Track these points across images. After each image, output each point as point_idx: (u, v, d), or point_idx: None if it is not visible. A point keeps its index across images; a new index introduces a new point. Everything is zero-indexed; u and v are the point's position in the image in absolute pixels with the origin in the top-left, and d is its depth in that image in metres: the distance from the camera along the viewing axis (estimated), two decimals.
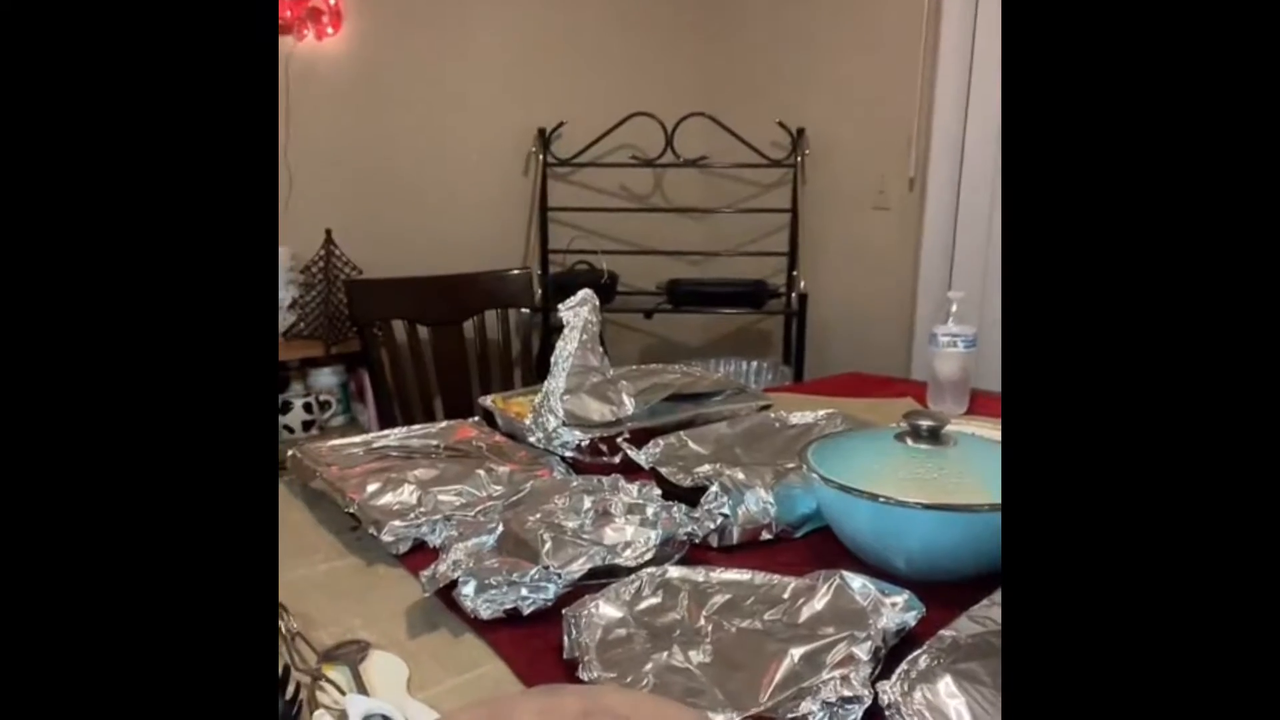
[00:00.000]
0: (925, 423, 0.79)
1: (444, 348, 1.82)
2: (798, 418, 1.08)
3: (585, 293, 1.08)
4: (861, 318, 2.21)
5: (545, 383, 1.02)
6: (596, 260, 2.25)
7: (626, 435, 0.98)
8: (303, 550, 0.84)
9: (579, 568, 0.69)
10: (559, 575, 0.69)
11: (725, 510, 0.81)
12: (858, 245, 2.23)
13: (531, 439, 1.00)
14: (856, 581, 0.66)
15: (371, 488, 0.86)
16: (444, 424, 1.13)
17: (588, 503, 0.81)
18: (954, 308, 1.30)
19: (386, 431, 1.09)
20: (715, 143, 2.32)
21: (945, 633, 0.55)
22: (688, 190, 2.48)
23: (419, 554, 0.80)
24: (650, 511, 0.78)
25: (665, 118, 2.25)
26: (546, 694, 0.49)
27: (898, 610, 0.63)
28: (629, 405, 1.06)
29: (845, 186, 2.23)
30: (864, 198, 2.19)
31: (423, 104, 2.15)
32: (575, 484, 0.86)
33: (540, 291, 2.15)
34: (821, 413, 1.08)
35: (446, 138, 2.23)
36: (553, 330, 2.21)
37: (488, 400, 1.15)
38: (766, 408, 1.14)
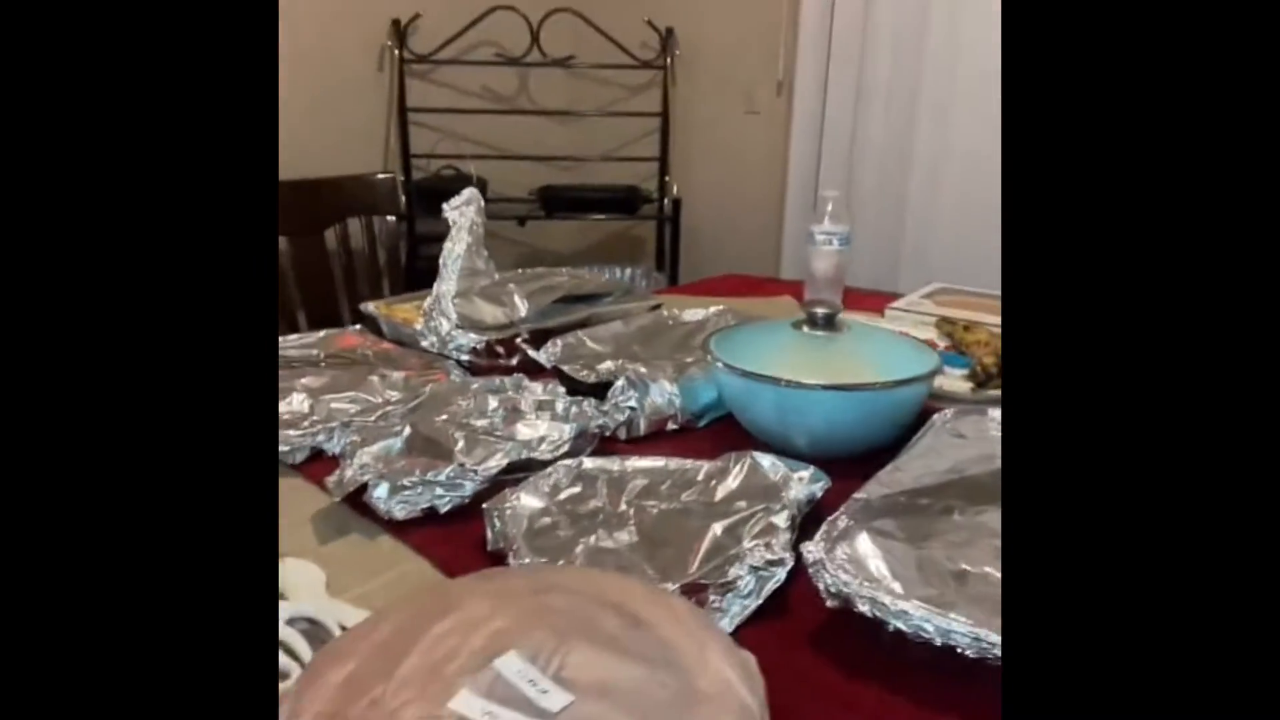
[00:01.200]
0: (821, 311, 0.82)
1: (304, 258, 1.72)
2: (690, 315, 1.09)
3: (470, 192, 1.04)
4: (732, 222, 2.25)
5: (435, 285, 0.98)
6: (464, 165, 2.16)
7: (525, 336, 0.97)
8: None
9: (496, 463, 0.69)
10: (475, 472, 0.68)
11: (632, 403, 0.82)
12: (728, 150, 2.25)
13: (425, 343, 0.97)
14: (765, 460, 0.70)
15: None
16: (321, 333, 1.07)
17: (494, 402, 0.80)
18: (829, 207, 1.34)
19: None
20: (583, 42, 2.24)
21: (858, 495, 0.59)
22: (554, 92, 2.41)
23: (316, 463, 0.77)
24: (560, 407, 0.78)
25: (530, 13, 2.15)
26: (489, 578, 0.49)
27: (805, 483, 0.67)
28: (521, 307, 1.04)
29: (715, 90, 2.23)
30: (734, 101, 2.19)
31: None
32: (477, 385, 0.84)
33: (405, 198, 2.05)
34: (712, 309, 1.11)
35: (288, 26, 2.04)
36: (419, 239, 2.12)
37: (370, 306, 1.10)
38: (656, 307, 1.15)
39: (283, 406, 0.81)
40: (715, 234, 2.27)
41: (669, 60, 2.23)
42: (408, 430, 0.73)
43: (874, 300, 1.37)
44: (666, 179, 2.24)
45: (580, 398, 0.80)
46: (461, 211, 1.02)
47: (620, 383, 0.83)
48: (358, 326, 1.10)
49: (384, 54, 2.18)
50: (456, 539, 0.66)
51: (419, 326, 0.98)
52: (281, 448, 0.76)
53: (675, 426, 0.84)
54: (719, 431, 0.85)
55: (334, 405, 0.83)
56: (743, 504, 0.65)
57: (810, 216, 2.05)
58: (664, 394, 0.84)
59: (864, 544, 0.53)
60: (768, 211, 2.16)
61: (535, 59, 2.18)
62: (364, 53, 2.16)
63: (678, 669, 0.39)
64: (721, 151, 2.26)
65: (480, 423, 0.76)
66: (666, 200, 2.19)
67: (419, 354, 0.99)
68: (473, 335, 0.96)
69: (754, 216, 2.20)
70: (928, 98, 1.80)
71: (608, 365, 0.90)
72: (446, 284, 0.98)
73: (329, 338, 1.06)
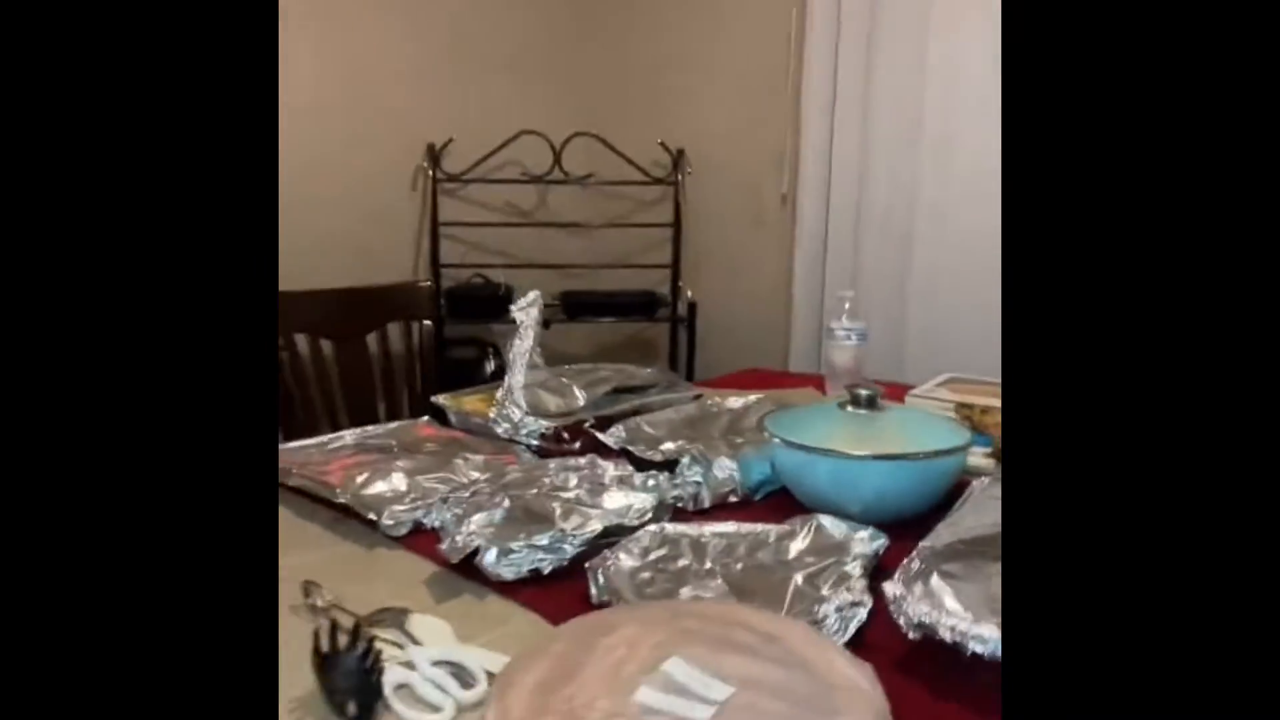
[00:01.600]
0: (864, 392, 0.92)
1: (347, 360, 1.82)
2: (731, 403, 1.20)
3: (534, 294, 1.15)
4: (741, 323, 2.38)
5: (506, 378, 1.08)
6: (492, 274, 2.29)
7: (592, 422, 1.07)
8: (293, 543, 0.86)
9: (591, 528, 0.77)
10: (574, 536, 0.76)
11: (697, 477, 0.91)
12: (736, 257, 2.40)
13: (499, 430, 1.06)
14: (828, 521, 0.78)
15: (360, 478, 0.90)
16: (394, 425, 1.17)
17: (574, 479, 0.89)
18: (847, 305, 1.47)
19: (340, 434, 1.12)
20: (600, 161, 2.43)
21: (924, 544, 0.68)
22: (573, 206, 2.58)
23: (416, 536, 0.85)
24: (638, 480, 0.87)
25: (553, 136, 2.34)
26: (633, 609, 0.57)
27: (867, 541, 0.75)
28: (580, 397, 1.14)
29: (724, 202, 2.40)
30: (742, 213, 2.36)
31: (311, 116, 2.13)
32: (554, 465, 0.93)
33: (438, 305, 2.17)
34: (752, 397, 1.21)
35: (336, 151, 2.21)
36: (447, 342, 2.24)
37: (441, 399, 1.19)
38: (698, 397, 1.25)
39: (384, 486, 0.89)
40: (725, 335, 2.39)
41: (680, 177, 2.41)
42: (507, 502, 0.82)
43: (892, 390, 1.47)
44: (679, 284, 2.38)
45: (655, 471, 0.89)
46: (527, 312, 1.14)
47: (685, 460, 0.92)
48: (425, 418, 1.20)
49: (418, 174, 2.35)
50: (559, 596, 0.73)
51: (492, 415, 1.07)
52: (386, 521, 0.84)
53: (735, 499, 0.93)
54: (775, 503, 0.93)
55: (427, 484, 0.91)
56: (813, 559, 0.73)
57: (814, 316, 2.19)
58: (725, 469, 0.93)
59: (936, 583, 0.62)
60: (774, 313, 2.30)
61: (557, 177, 2.36)
62: (401, 173, 2.34)
63: (812, 672, 0.47)
64: (730, 259, 2.42)
65: (569, 495, 0.84)
66: (681, 304, 2.33)
67: (490, 440, 1.08)
68: (543, 422, 1.06)
69: (761, 318, 2.33)
70: (925, 204, 1.96)
71: (669, 445, 0.99)
72: (516, 376, 1.08)
73: (403, 428, 1.15)
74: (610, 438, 1.02)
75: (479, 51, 2.44)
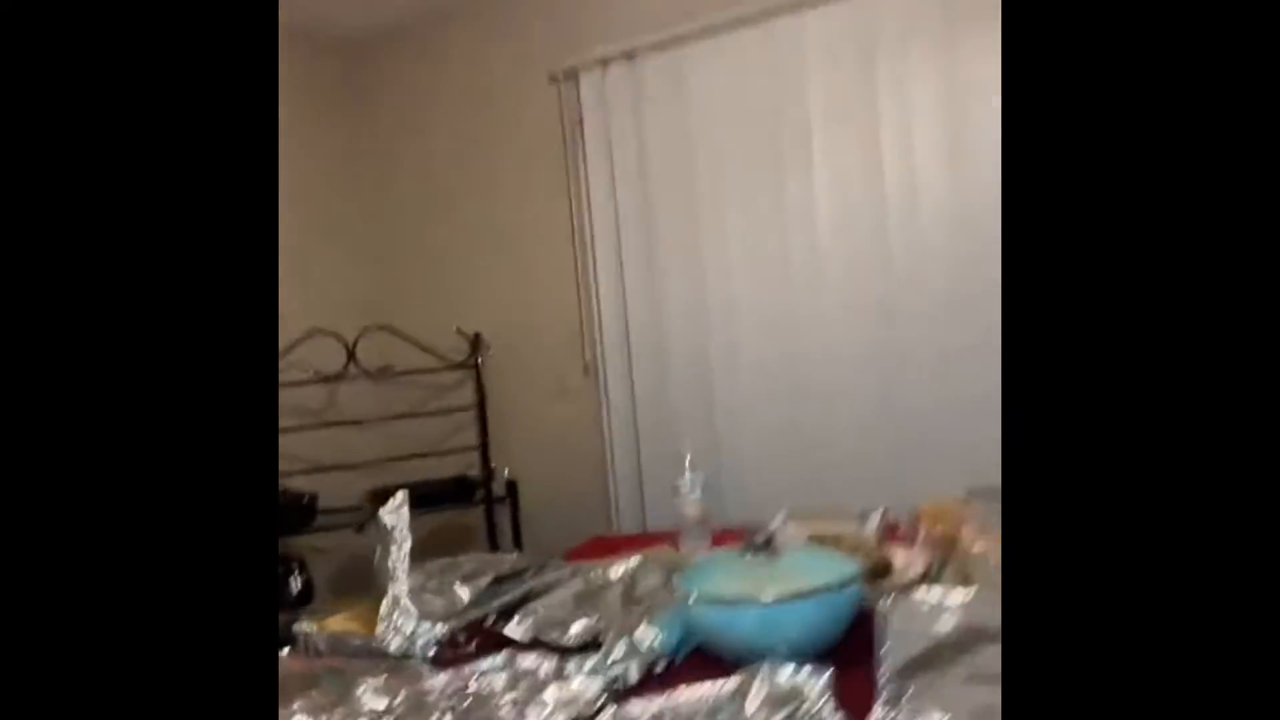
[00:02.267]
0: (759, 539, 0.98)
1: None
2: (614, 572, 1.19)
3: (401, 494, 1.10)
4: (560, 495, 2.38)
5: (390, 589, 1.01)
6: (290, 483, 2.13)
7: (493, 619, 1.01)
8: None
9: None
10: None
11: (621, 653, 0.89)
12: (544, 431, 2.43)
13: (390, 647, 0.97)
14: (767, 669, 0.80)
15: None
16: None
17: (500, 682, 0.85)
18: (687, 460, 1.54)
19: None
20: (395, 352, 2.40)
21: (881, 672, 0.72)
22: (367, 400, 2.49)
23: None
24: (570, 669, 0.84)
25: (345, 332, 2.28)
26: None
27: (815, 679, 0.78)
28: (464, 595, 1.09)
29: (526, 380, 2.45)
30: (545, 387, 2.42)
31: None
32: (468, 673, 0.88)
33: None
34: (632, 562, 1.22)
35: None
36: None
37: (302, 625, 1.07)
38: (573, 574, 1.23)
39: None
40: (544, 509, 2.37)
41: (479, 360, 2.44)
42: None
43: (744, 534, 1.54)
44: (491, 465, 2.35)
45: (583, 655, 0.86)
46: (398, 514, 1.08)
47: (609, 637, 0.91)
48: (283, 650, 1.07)
49: None
50: None
51: (380, 631, 0.98)
52: None
53: (660, 669, 0.92)
54: (695, 663, 0.93)
55: None
56: (768, 710, 0.74)
57: (633, 476, 2.25)
58: (646, 639, 0.92)
59: (914, 702, 0.66)
60: (591, 481, 2.33)
61: (353, 372, 2.29)
62: None
63: None
64: (538, 434, 2.44)
65: (508, 701, 0.79)
66: (498, 484, 2.29)
67: (371, 659, 0.98)
68: (438, 628, 0.99)
69: (579, 487, 2.36)
70: (716, 358, 2.13)
71: (578, 626, 0.97)
72: (400, 585, 1.01)
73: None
74: (519, 630, 0.97)
75: None
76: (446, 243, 2.56)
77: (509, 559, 1.27)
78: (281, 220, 2.40)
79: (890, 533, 1.39)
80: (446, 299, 2.53)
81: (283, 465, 2.24)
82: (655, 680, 0.90)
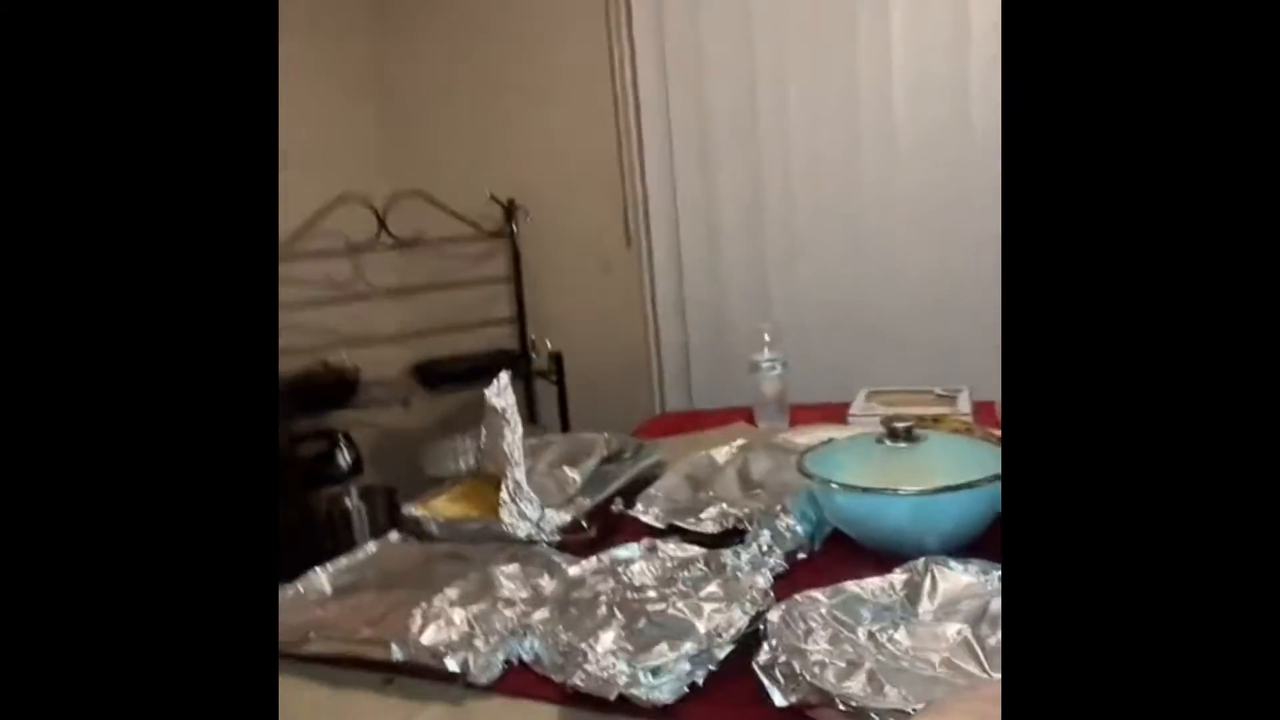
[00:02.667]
0: (901, 425, 0.94)
1: None
2: (718, 454, 1.16)
3: (504, 376, 1.05)
4: (603, 371, 2.33)
5: (510, 472, 0.97)
6: (335, 356, 2.07)
7: (619, 504, 0.98)
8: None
9: (738, 624, 0.70)
10: (720, 636, 0.69)
11: (768, 542, 0.87)
12: (584, 305, 2.36)
13: (520, 532, 0.94)
14: (939, 565, 0.78)
15: (414, 625, 0.75)
16: (362, 554, 0.99)
17: (649, 570, 0.82)
18: (766, 337, 1.49)
19: (301, 579, 0.93)
20: (426, 220, 2.29)
21: None
22: (396, 271, 2.40)
23: (508, 678, 0.73)
24: (727, 558, 0.81)
25: (374, 199, 2.16)
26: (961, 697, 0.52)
27: (984, 577, 0.76)
28: (575, 478, 1.05)
29: (564, 250, 2.36)
30: (585, 258, 2.33)
31: None
32: (607, 559, 0.85)
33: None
34: (734, 445, 1.19)
35: None
36: (298, 439, 1.98)
37: (414, 510, 1.04)
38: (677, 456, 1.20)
39: (442, 629, 0.76)
40: (587, 385, 2.33)
41: (515, 229, 2.33)
42: (619, 615, 0.73)
43: (824, 412, 1.52)
44: (530, 338, 2.29)
45: (736, 547, 0.84)
46: (504, 396, 1.03)
47: (751, 529, 0.88)
48: (394, 536, 1.04)
49: None
50: (727, 709, 0.66)
51: (505, 517, 0.95)
52: (478, 667, 0.71)
53: (804, 555, 0.90)
54: (837, 551, 0.91)
55: (482, 613, 0.78)
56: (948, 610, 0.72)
57: (680, 353, 2.21)
58: (787, 528, 0.89)
59: None
60: (635, 356, 2.29)
61: (384, 242, 2.19)
62: None
63: None
64: (578, 309, 2.37)
65: (672, 590, 0.77)
66: (541, 357, 2.24)
67: (490, 544, 0.95)
68: (562, 514, 0.96)
69: (623, 362, 2.31)
70: (770, 233, 2.05)
71: (710, 514, 0.94)
72: (519, 469, 0.97)
73: (378, 555, 0.99)
74: (651, 515, 0.94)
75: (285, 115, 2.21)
76: (476, 102, 2.40)
77: (596, 439, 1.23)
78: (300, 78, 2.23)
79: (985, 414, 1.36)
80: (479, 163, 2.39)
81: (313, 339, 2.17)
82: (800, 568, 0.88)
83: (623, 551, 0.87)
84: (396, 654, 0.73)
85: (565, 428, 2.18)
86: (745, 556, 0.82)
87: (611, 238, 2.28)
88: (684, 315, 2.18)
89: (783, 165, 2.01)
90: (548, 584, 0.83)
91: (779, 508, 0.92)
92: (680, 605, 0.73)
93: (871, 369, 1.83)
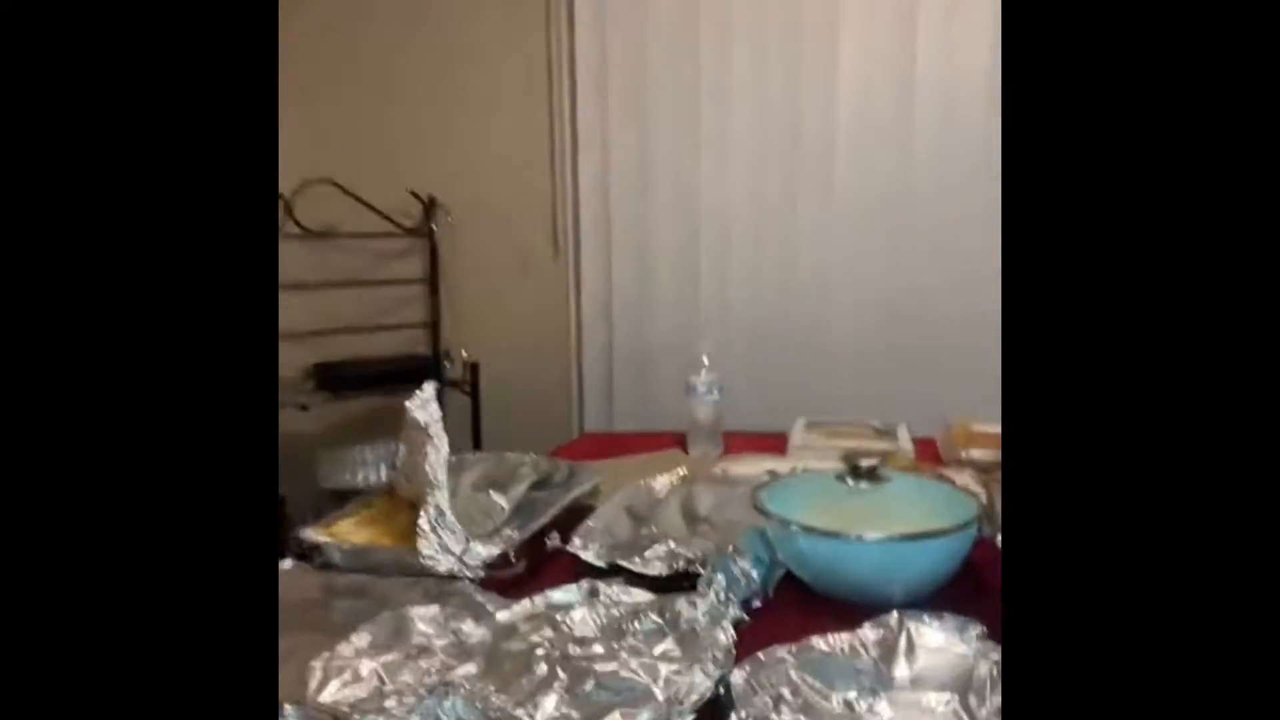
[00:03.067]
0: (865, 463, 0.87)
1: None
2: (658, 485, 1.07)
3: (430, 386, 0.93)
4: (519, 385, 2.20)
5: (431, 496, 0.85)
6: None
7: (554, 537, 0.88)
8: None
9: (700, 689, 0.61)
10: (680, 704, 0.60)
11: (721, 589, 0.78)
12: (504, 314, 2.24)
13: (441, 567, 0.82)
14: (918, 622, 0.71)
15: (313, 681, 0.63)
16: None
17: (592, 619, 0.73)
18: (705, 359, 1.42)
19: None
20: (338, 212, 2.12)
21: None
22: (303, 264, 2.22)
23: None
24: (681, 607, 0.72)
25: (281, 184, 1.99)
26: None
27: (971, 635, 0.69)
28: (503, 506, 0.95)
29: (486, 254, 2.24)
30: (508, 264, 2.21)
31: None
32: (540, 603, 0.75)
33: None
34: (679, 472, 1.10)
35: None
36: None
37: (313, 534, 0.91)
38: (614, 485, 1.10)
39: (344, 692, 0.64)
40: (504, 400, 2.20)
41: (433, 227, 2.20)
42: (562, 675, 0.62)
43: (758, 442, 1.45)
44: (442, 344, 2.16)
45: (692, 595, 0.75)
46: (427, 409, 0.91)
47: (706, 572, 0.79)
48: (287, 563, 0.90)
49: None
50: None
51: (425, 549, 0.83)
52: None
53: (759, 604, 0.81)
54: (791, 599, 0.84)
55: (404, 670, 0.67)
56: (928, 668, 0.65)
57: (604, 369, 2.11)
58: (743, 572, 0.81)
59: None
60: (555, 372, 2.18)
61: (292, 231, 2.01)
62: None
63: None
64: (497, 315, 2.24)
65: (623, 645, 0.67)
66: (455, 366, 2.11)
67: (405, 578, 0.83)
68: (491, 547, 0.85)
69: (540, 377, 2.20)
70: (707, 247, 1.98)
71: (658, 552, 0.85)
72: (442, 494, 0.86)
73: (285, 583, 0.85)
74: (591, 553, 0.84)
75: None
76: (402, 95, 2.25)
77: (521, 459, 1.13)
78: None
79: (925, 451, 1.32)
80: (400, 158, 2.24)
81: None
82: (759, 618, 0.79)
83: (560, 594, 0.77)
84: (291, 717, 0.61)
85: (477, 444, 2.05)
86: (702, 606, 0.73)
87: (538, 247, 2.18)
88: (610, 332, 2.10)
89: (721, 186, 1.95)
90: (473, 630, 0.72)
91: (731, 549, 0.83)
92: (634, 665, 0.63)
93: (804, 397, 1.78)
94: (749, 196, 1.93)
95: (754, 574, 0.82)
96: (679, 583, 0.80)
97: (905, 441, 1.36)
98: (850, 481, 0.87)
